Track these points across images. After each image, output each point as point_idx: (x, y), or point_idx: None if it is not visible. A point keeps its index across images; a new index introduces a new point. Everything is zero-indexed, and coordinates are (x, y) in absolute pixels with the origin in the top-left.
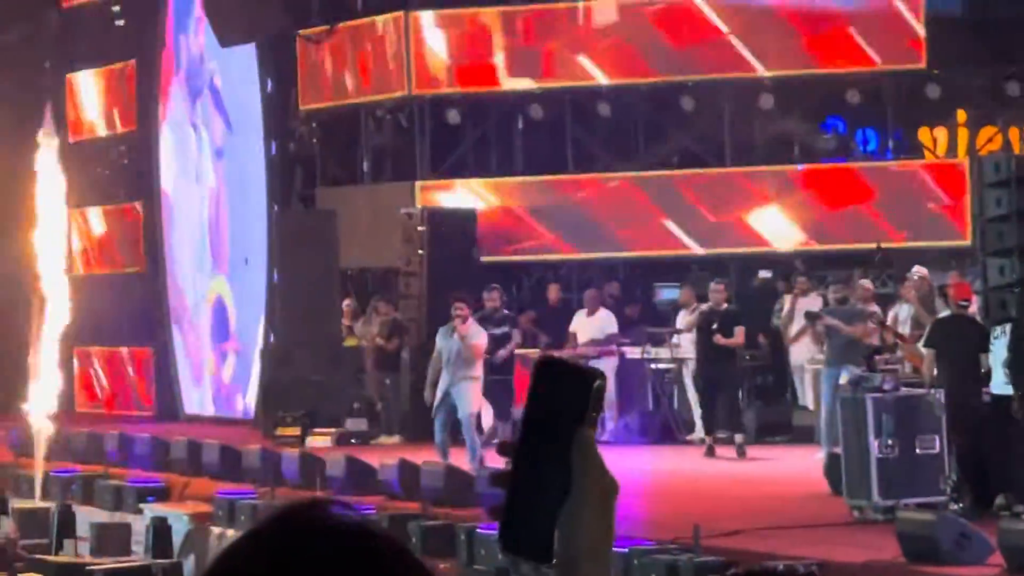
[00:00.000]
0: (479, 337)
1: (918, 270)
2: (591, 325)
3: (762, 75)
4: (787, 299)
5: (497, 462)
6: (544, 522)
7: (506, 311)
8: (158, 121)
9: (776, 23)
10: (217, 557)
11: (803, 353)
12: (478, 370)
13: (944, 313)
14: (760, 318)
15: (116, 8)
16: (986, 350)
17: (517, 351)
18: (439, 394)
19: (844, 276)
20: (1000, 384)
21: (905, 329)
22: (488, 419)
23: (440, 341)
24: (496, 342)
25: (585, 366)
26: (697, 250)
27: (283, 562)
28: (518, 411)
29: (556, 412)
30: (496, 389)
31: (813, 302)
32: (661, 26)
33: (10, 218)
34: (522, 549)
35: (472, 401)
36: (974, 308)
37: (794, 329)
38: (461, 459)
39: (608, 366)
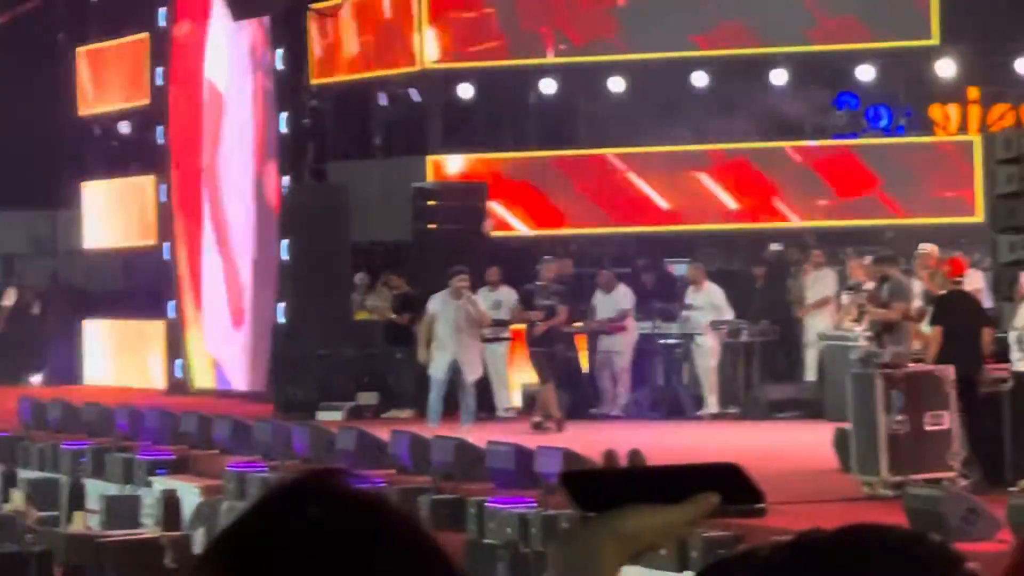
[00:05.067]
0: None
1: (924, 247)
2: (608, 302)
3: (775, 51)
4: (803, 273)
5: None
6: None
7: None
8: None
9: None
10: (230, 522)
11: (816, 327)
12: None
13: (942, 291)
14: (774, 291)
15: None
16: (987, 323)
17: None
18: (446, 362)
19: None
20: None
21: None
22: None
23: (439, 307)
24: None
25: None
26: (706, 225)
27: (291, 529)
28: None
29: None
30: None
31: (826, 276)
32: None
33: (26, 192)
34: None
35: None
36: (979, 285)
37: (809, 301)
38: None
39: (626, 341)
